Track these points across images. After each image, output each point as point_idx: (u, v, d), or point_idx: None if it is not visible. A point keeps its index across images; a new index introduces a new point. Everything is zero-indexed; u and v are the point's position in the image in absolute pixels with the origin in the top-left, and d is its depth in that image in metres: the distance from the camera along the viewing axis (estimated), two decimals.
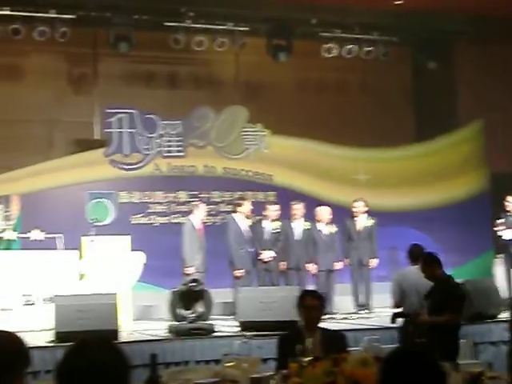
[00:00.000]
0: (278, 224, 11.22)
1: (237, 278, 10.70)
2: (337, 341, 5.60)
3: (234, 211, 11.13)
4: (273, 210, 11.26)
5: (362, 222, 11.51)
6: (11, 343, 2.57)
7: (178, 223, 11.86)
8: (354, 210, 11.54)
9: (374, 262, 11.37)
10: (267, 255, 11.02)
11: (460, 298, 6.83)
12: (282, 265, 11.17)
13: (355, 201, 11.62)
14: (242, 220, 11.02)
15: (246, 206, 11.07)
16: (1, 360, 2.53)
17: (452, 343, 6.61)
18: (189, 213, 11.55)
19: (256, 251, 10.99)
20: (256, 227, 11.12)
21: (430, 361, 2.70)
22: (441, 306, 6.68)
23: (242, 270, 10.70)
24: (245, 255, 10.84)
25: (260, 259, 10.99)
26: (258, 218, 11.40)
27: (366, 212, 11.59)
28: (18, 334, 2.72)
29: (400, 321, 7.10)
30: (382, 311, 10.36)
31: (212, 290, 9.75)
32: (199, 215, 11.04)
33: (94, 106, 12.90)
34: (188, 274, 10.48)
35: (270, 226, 11.18)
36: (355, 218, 11.52)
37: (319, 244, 11.32)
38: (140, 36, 12.39)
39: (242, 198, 11.69)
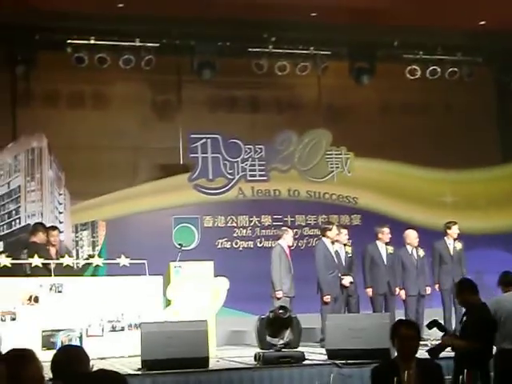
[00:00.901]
0: (350, 248, 11.09)
1: (325, 303, 10.55)
2: (433, 372, 5.41)
3: (324, 235, 11.00)
4: (344, 234, 11.12)
5: (453, 244, 11.25)
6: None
7: (263, 247, 11.85)
8: (448, 232, 11.28)
9: None
10: (347, 280, 10.88)
11: (485, 324, 6.61)
12: (369, 291, 10.99)
13: (450, 223, 11.34)
14: (330, 244, 10.90)
15: (334, 231, 10.95)
16: None
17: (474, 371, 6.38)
18: (273, 237, 11.52)
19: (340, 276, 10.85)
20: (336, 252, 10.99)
21: None
22: (468, 332, 6.57)
23: (329, 296, 10.55)
24: (333, 280, 10.71)
25: (341, 284, 10.84)
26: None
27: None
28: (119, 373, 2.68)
29: (434, 330, 6.90)
30: None
31: (298, 314, 9.63)
32: (288, 240, 10.98)
33: (179, 132, 13.02)
34: (278, 298, 10.44)
35: (343, 250, 11.06)
36: (447, 242, 11.26)
37: (409, 268, 11.10)
38: (223, 62, 12.50)
39: (330, 223, 11.57)
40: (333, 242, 10.92)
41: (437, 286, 11.15)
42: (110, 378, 2.75)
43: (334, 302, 10.64)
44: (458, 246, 11.28)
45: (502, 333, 7.10)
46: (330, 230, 10.93)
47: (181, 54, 12.70)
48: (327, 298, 10.53)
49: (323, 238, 10.96)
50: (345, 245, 11.12)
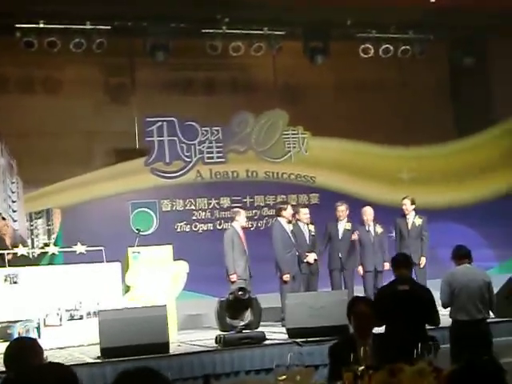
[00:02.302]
0: (312, 227, 11.11)
1: (284, 282, 10.57)
2: (388, 346, 5.43)
3: (279, 215, 11.01)
4: (304, 214, 11.14)
5: (412, 220, 11.34)
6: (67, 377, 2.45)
7: (222, 229, 11.81)
8: (403, 207, 11.37)
9: (422, 261, 11.18)
10: (311, 257, 10.90)
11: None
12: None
13: (403, 198, 11.44)
14: (286, 224, 10.91)
15: (289, 210, 10.96)
16: None
17: None
18: (232, 219, 11.45)
19: (300, 254, 10.86)
20: (296, 231, 10.99)
21: (497, 378, 2.55)
22: None
23: (288, 274, 10.57)
24: (291, 259, 10.72)
25: (306, 262, 10.86)
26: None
27: (414, 210, 11.39)
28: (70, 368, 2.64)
29: None
30: None
31: (259, 295, 9.63)
32: (241, 221, 10.94)
33: (133, 116, 12.88)
34: (233, 282, 10.41)
35: (306, 229, 11.09)
36: (407, 217, 11.35)
37: (366, 245, 11.19)
38: (177, 44, 12.37)
39: (285, 202, 11.60)
40: (289, 221, 10.92)
41: None
42: (59, 372, 2.72)
43: (293, 281, 10.65)
44: (418, 221, 11.37)
45: (456, 305, 7.20)
46: (285, 209, 10.95)
47: (133, 36, 12.53)
48: (286, 277, 10.54)
49: (279, 218, 10.97)
50: (308, 224, 11.12)
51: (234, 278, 10.46)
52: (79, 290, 9.69)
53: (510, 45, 13.72)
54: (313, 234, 11.08)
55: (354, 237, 11.09)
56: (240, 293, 8.78)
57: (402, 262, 6.96)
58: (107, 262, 9.92)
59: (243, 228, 10.96)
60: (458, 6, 12.39)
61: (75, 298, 9.65)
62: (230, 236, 10.71)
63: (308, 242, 11.00)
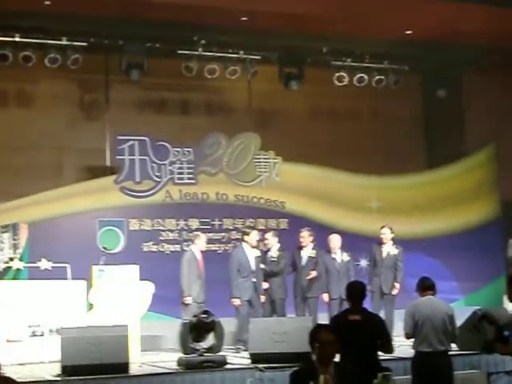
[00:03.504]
0: (276, 253, 11.08)
1: (235, 307, 10.56)
2: (348, 375, 5.43)
3: (243, 240, 11.02)
4: (269, 238, 11.18)
5: (388, 249, 11.39)
6: None
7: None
8: (381, 236, 11.41)
9: (396, 286, 11.18)
10: (266, 285, 10.91)
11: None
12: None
13: (382, 227, 11.48)
14: (249, 249, 10.88)
15: (253, 236, 10.94)
16: None
17: None
18: (192, 242, 11.43)
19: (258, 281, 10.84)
20: (262, 257, 10.99)
21: None
22: None
23: (237, 299, 10.53)
24: (246, 284, 10.69)
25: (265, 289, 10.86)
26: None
27: (392, 239, 11.45)
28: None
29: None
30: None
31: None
32: (200, 245, 10.91)
33: (106, 133, 12.85)
34: (186, 304, 10.40)
35: (269, 254, 11.09)
36: (382, 245, 11.40)
37: (331, 272, 11.20)
38: (152, 63, 12.40)
39: (250, 227, 11.60)
40: (254, 247, 10.90)
41: (369, 288, 11.24)
42: None
43: (250, 306, 10.65)
44: (394, 251, 11.39)
45: (419, 336, 7.21)
46: (248, 234, 10.94)
47: (109, 54, 12.55)
48: (234, 301, 10.53)
49: (242, 243, 10.97)
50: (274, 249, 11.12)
51: (187, 300, 10.47)
52: (42, 307, 9.59)
53: (483, 77, 13.95)
54: (273, 259, 11.01)
55: (311, 275, 11.06)
56: (203, 316, 8.73)
57: (355, 291, 6.95)
58: (72, 279, 9.83)
59: (202, 252, 10.92)
60: (434, 38, 12.59)
61: (38, 314, 9.55)
62: (188, 259, 10.71)
63: (268, 267, 10.95)
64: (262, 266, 10.95)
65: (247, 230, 11.15)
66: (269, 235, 11.28)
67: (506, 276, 10.36)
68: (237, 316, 10.59)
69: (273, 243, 11.17)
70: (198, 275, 10.67)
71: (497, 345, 6.28)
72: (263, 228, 12.52)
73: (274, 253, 11.11)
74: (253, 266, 10.82)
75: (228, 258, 11.38)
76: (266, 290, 10.96)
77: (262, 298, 10.89)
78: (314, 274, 11.01)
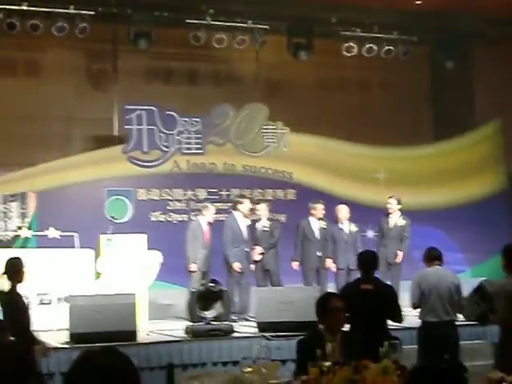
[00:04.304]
0: (267, 223, 11.07)
1: (237, 272, 10.52)
2: (355, 344, 5.46)
3: (235, 209, 10.97)
4: (263, 208, 11.15)
5: (395, 220, 11.40)
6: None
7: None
8: (388, 206, 11.42)
9: (399, 255, 11.21)
10: (257, 251, 10.85)
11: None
12: (295, 265, 11.06)
13: (390, 197, 11.48)
14: (241, 218, 10.86)
15: (246, 205, 10.91)
16: None
17: None
18: (200, 212, 11.46)
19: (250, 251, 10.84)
20: (251, 226, 10.98)
21: (457, 377, 2.58)
22: None
23: (239, 263, 10.53)
24: (239, 254, 10.68)
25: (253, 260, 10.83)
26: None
27: (400, 210, 11.45)
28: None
29: None
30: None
31: None
32: (208, 217, 10.92)
33: (113, 103, 12.82)
34: (191, 272, 10.45)
35: (260, 224, 11.05)
36: (389, 216, 11.41)
37: (339, 242, 11.22)
38: (160, 33, 12.32)
39: (243, 196, 11.57)
40: (246, 216, 10.90)
41: None
42: (19, 352, 2.72)
43: (240, 276, 10.62)
44: (401, 222, 11.42)
45: (426, 306, 7.26)
46: (242, 203, 10.91)
47: (117, 23, 12.47)
48: (237, 266, 10.50)
49: (234, 212, 10.93)
50: (266, 219, 11.11)
51: (192, 267, 10.53)
52: (51, 275, 9.64)
53: (493, 50, 13.83)
54: (266, 229, 11.03)
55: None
56: (211, 285, 8.79)
57: (367, 261, 6.98)
58: (80, 247, 9.88)
59: (210, 223, 10.92)
60: (443, 9, 12.48)
61: (46, 282, 9.60)
62: (193, 229, 10.75)
63: (259, 237, 10.91)
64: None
65: (240, 200, 11.08)
66: (261, 206, 11.21)
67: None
68: (228, 285, 10.42)
69: (264, 214, 11.12)
70: (203, 245, 10.70)
71: (490, 316, 6.30)
72: (271, 198, 12.54)
73: (265, 222, 11.08)
74: (245, 235, 10.79)
75: None
76: (258, 261, 10.90)
77: (253, 267, 10.85)
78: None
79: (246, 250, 10.73)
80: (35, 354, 5.97)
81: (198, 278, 10.44)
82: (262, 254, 10.85)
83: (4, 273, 6.43)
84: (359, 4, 12.38)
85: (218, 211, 12.10)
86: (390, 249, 11.30)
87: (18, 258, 6.58)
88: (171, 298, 11.25)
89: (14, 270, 6.45)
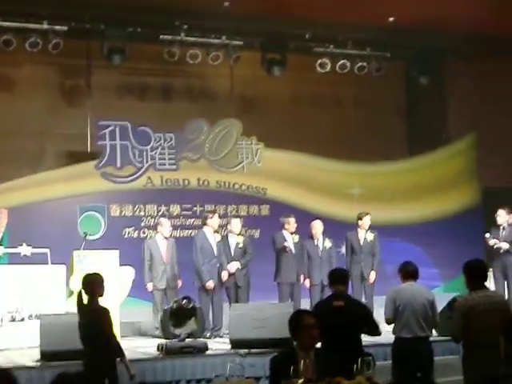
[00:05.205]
0: (241, 239, 11.02)
1: (209, 289, 10.39)
2: (330, 361, 5.45)
3: (204, 224, 10.89)
4: (237, 224, 11.09)
5: (364, 235, 11.42)
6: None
7: (171, 237, 11.71)
8: (359, 223, 11.43)
9: (372, 275, 11.25)
10: (233, 267, 10.76)
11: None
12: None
13: (362, 214, 11.49)
14: (211, 234, 10.79)
15: (215, 220, 10.83)
16: None
17: None
18: (181, 226, 11.43)
19: (223, 266, 10.72)
20: (223, 242, 10.90)
21: None
22: None
23: (211, 281, 10.43)
24: (210, 269, 10.55)
25: (228, 272, 10.73)
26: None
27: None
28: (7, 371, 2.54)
29: None
30: None
31: None
32: (164, 232, 10.82)
33: (87, 118, 12.75)
34: (150, 291, 10.41)
35: (235, 240, 10.99)
36: (359, 232, 11.42)
37: (314, 258, 11.22)
38: (134, 48, 12.31)
39: (212, 211, 11.49)
40: (216, 231, 10.84)
41: None
42: None
43: (213, 293, 10.49)
44: (370, 237, 11.45)
45: (400, 322, 7.25)
46: (211, 218, 10.83)
47: (90, 39, 12.42)
48: (209, 284, 10.39)
49: (204, 227, 10.82)
50: (238, 235, 11.06)
51: (148, 287, 10.46)
52: (22, 292, 9.54)
53: (466, 66, 13.98)
54: (240, 246, 10.96)
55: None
56: (184, 301, 8.74)
57: (339, 278, 6.98)
58: (53, 264, 9.78)
59: (167, 238, 10.84)
60: (417, 25, 12.57)
61: (18, 299, 9.49)
62: (148, 247, 10.66)
63: (232, 254, 10.85)
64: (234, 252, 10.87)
65: (209, 214, 11.01)
66: (235, 221, 11.16)
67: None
68: (200, 302, 10.29)
69: (237, 229, 11.07)
70: (160, 262, 10.61)
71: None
72: (245, 215, 12.54)
73: (239, 238, 11.03)
74: (215, 251, 10.70)
75: None
76: (232, 274, 10.80)
77: (226, 282, 10.72)
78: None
79: (217, 265, 10.66)
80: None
81: (160, 297, 10.39)
82: (239, 269, 10.79)
83: (82, 288, 6.38)
84: (333, 20, 12.44)
85: (192, 227, 12.09)
86: (364, 264, 11.30)
87: (96, 273, 6.56)
88: (144, 314, 11.17)
89: (91, 284, 6.39)
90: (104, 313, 6.25)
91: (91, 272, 6.68)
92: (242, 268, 10.80)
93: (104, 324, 6.21)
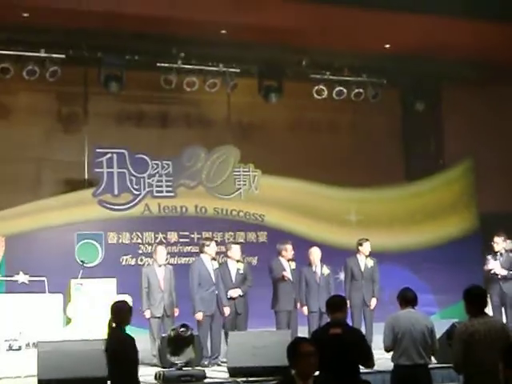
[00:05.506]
0: (242, 265, 10.97)
1: (197, 321, 10.27)
2: None
3: (202, 251, 10.83)
4: (237, 250, 10.99)
5: (364, 261, 11.39)
6: None
7: (168, 264, 11.68)
8: (360, 249, 11.40)
9: (373, 302, 11.21)
10: (235, 293, 10.68)
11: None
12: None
13: (362, 240, 11.46)
14: (208, 261, 10.72)
15: (212, 247, 10.74)
16: None
17: None
18: (179, 254, 11.39)
19: (220, 293, 10.64)
20: (222, 268, 10.80)
21: None
22: None
23: (201, 313, 10.35)
24: (208, 297, 10.43)
25: (230, 297, 10.64)
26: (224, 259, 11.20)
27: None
28: None
29: None
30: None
31: None
32: (159, 259, 10.74)
33: (84, 146, 12.76)
34: (148, 318, 10.34)
35: (235, 266, 10.91)
36: (359, 258, 11.40)
37: (311, 285, 11.16)
38: (131, 75, 12.36)
39: (208, 238, 11.41)
40: (214, 258, 10.80)
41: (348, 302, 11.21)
42: None
43: (212, 320, 10.36)
44: (370, 263, 11.40)
45: (399, 349, 7.20)
46: (208, 245, 10.77)
47: (88, 66, 12.49)
48: (199, 315, 10.26)
49: (201, 255, 10.72)
50: (237, 261, 11.02)
51: (146, 314, 10.37)
52: (19, 321, 9.50)
53: (461, 91, 14.05)
54: (241, 272, 10.88)
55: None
56: (182, 329, 8.69)
57: (336, 305, 6.95)
58: (50, 292, 9.75)
59: (164, 265, 10.78)
60: (412, 52, 12.67)
61: (15, 328, 9.45)
62: (145, 274, 10.59)
63: (234, 280, 10.78)
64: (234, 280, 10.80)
65: (206, 242, 10.95)
66: (235, 248, 11.07)
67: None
68: (199, 330, 10.18)
69: (237, 256, 10.99)
70: (157, 290, 10.53)
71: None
72: (242, 241, 12.51)
73: (239, 265, 10.98)
74: (213, 278, 10.62)
75: None
76: (232, 299, 10.69)
77: (227, 310, 10.59)
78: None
79: (216, 292, 10.60)
80: None
81: (157, 324, 10.32)
82: (240, 296, 10.73)
83: (111, 315, 6.36)
84: (329, 48, 12.52)
85: (189, 254, 12.06)
86: (365, 291, 11.25)
87: (124, 300, 6.54)
88: (141, 342, 11.05)
89: (119, 311, 6.37)
90: (130, 342, 6.23)
91: (119, 299, 6.68)
92: (242, 295, 10.75)
93: (129, 353, 6.20)
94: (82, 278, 9.95)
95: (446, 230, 13.95)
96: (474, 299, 6.26)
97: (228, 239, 12.64)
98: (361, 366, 6.74)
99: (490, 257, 11.51)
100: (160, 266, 10.67)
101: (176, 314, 10.56)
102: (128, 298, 9.89)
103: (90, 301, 9.71)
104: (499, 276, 11.35)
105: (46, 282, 9.67)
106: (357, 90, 13.53)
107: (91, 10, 10.73)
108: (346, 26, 11.85)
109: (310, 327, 10.88)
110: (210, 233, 12.68)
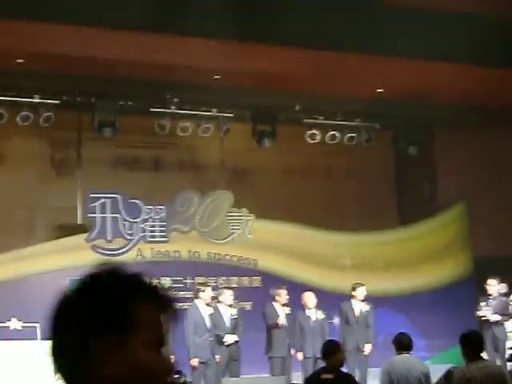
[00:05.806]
0: (234, 310, 10.91)
1: (193, 367, 10.20)
2: None
3: (196, 297, 10.77)
4: (229, 295, 10.95)
5: (359, 306, 11.32)
6: None
7: None
8: (353, 294, 11.34)
9: (368, 348, 11.12)
10: (232, 339, 10.59)
11: None
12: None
13: (356, 285, 11.40)
14: (203, 307, 10.66)
15: (207, 293, 10.72)
16: None
17: None
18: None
19: (217, 337, 10.54)
20: (215, 314, 10.75)
21: None
22: None
23: (196, 359, 10.26)
24: (203, 343, 10.38)
25: (225, 343, 10.55)
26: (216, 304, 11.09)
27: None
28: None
29: None
30: None
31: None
32: None
33: (78, 191, 12.76)
34: None
35: (227, 311, 10.85)
36: (353, 303, 11.32)
37: (306, 330, 11.07)
38: (124, 121, 12.39)
39: (203, 284, 11.38)
40: (208, 304, 10.71)
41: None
42: None
43: (206, 367, 10.31)
44: (365, 308, 11.36)
45: None
46: (203, 291, 10.72)
47: (81, 111, 12.53)
48: (194, 362, 10.20)
49: (196, 300, 10.69)
50: (230, 306, 10.95)
51: None
52: (11, 367, 9.38)
53: (454, 135, 14.13)
54: (234, 317, 10.82)
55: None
56: (176, 376, 8.59)
57: (331, 350, 6.90)
58: (42, 339, 9.63)
59: None
60: (405, 96, 12.77)
61: (6, 375, 9.33)
62: None
63: (228, 325, 10.72)
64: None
65: (201, 288, 10.89)
66: (228, 292, 11.04)
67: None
68: (193, 376, 10.15)
69: (230, 301, 10.93)
70: None
71: None
72: (236, 286, 12.42)
73: (232, 310, 10.91)
74: (208, 324, 10.55)
75: None
76: (228, 345, 10.63)
77: (218, 357, 10.49)
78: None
79: (210, 338, 10.49)
80: None
81: None
82: (236, 342, 10.63)
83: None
84: (322, 92, 12.61)
85: (183, 300, 11.94)
86: (358, 336, 11.17)
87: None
88: None
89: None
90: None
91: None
92: (239, 339, 10.66)
93: None
94: None
95: (441, 273, 13.89)
96: (471, 344, 6.23)
97: (221, 284, 12.55)
98: None
99: (482, 304, 11.47)
100: None
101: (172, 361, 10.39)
102: None
103: None
104: (491, 320, 11.29)
105: (38, 329, 9.55)
106: (350, 135, 13.62)
107: (84, 56, 10.80)
108: (338, 70, 11.95)
109: (304, 373, 10.76)
110: (204, 278, 12.59)
